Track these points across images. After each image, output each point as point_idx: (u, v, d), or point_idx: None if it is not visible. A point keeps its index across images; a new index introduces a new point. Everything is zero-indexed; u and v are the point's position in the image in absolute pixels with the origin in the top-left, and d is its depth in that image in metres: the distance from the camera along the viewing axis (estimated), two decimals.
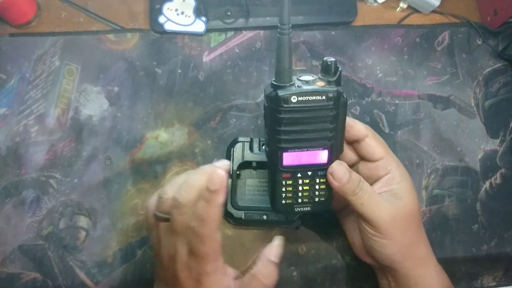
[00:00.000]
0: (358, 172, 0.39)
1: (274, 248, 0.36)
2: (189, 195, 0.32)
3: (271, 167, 0.36)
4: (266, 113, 0.34)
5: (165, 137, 0.52)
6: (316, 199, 0.37)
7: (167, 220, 0.33)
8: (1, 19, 0.56)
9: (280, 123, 0.32)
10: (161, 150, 0.51)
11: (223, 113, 0.53)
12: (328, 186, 0.37)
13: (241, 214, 0.45)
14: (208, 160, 0.51)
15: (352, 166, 0.40)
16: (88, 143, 0.51)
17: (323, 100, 0.31)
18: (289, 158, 0.34)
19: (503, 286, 0.49)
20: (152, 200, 0.36)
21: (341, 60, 0.57)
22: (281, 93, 0.31)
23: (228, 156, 0.47)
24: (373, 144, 0.38)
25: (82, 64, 0.55)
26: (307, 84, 0.32)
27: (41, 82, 0.54)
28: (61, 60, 0.55)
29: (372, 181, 0.39)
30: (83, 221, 0.48)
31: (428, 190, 0.51)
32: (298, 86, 0.31)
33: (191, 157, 0.51)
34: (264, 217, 0.45)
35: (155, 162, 0.51)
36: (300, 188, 0.36)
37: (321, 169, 0.35)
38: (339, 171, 0.35)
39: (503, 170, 0.52)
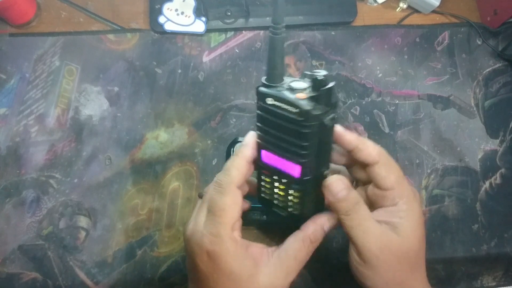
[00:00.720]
0: (366, 192, 0.35)
1: (332, 220, 0.34)
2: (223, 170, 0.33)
3: (258, 157, 0.34)
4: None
5: (165, 137, 0.52)
6: (290, 209, 0.35)
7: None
8: (1, 19, 0.56)
9: (258, 118, 0.31)
10: (161, 150, 0.51)
11: (223, 113, 0.53)
12: (301, 202, 0.34)
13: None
14: (208, 160, 0.51)
15: (364, 184, 0.37)
16: (88, 143, 0.51)
17: (296, 113, 0.29)
18: (267, 157, 0.33)
19: (503, 286, 0.49)
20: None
21: (341, 60, 0.57)
22: (262, 89, 0.30)
23: (228, 156, 0.47)
24: (383, 174, 0.33)
25: (82, 64, 0.55)
26: (291, 91, 0.29)
27: (41, 82, 0.54)
28: (61, 60, 0.55)
29: (376, 206, 0.35)
30: (83, 221, 0.48)
31: (428, 190, 0.51)
32: (279, 90, 0.29)
33: (191, 157, 0.51)
34: (264, 217, 0.45)
35: (155, 162, 0.51)
36: (276, 190, 0.35)
37: (294, 182, 0.33)
38: (336, 186, 0.32)
39: (503, 170, 0.52)
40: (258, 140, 0.32)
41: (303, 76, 0.31)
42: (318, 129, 0.30)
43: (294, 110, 0.29)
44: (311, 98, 0.29)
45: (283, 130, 0.30)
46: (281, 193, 0.35)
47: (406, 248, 0.33)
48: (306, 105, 0.28)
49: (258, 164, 0.34)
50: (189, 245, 0.33)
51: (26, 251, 0.47)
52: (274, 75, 0.30)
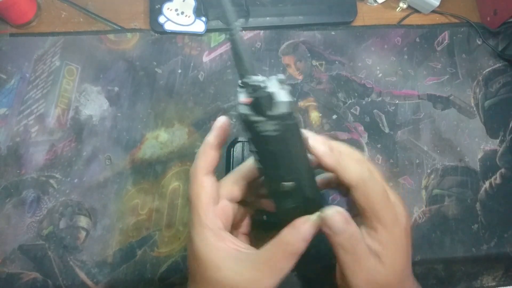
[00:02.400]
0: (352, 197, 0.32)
1: (309, 222, 0.31)
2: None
3: None
4: None
5: (165, 137, 0.52)
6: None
7: None
8: (1, 19, 0.56)
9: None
10: (161, 150, 0.51)
11: (223, 113, 0.53)
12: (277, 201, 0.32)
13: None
14: None
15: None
16: (88, 143, 0.51)
17: (245, 109, 0.27)
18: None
19: (503, 286, 0.49)
20: None
21: (341, 60, 0.57)
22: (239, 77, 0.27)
23: (228, 156, 0.47)
24: (360, 199, 0.30)
25: (82, 64, 0.55)
26: (253, 88, 0.26)
27: (41, 82, 0.54)
28: (61, 60, 0.55)
29: (359, 217, 0.32)
30: (83, 221, 0.48)
31: (428, 190, 0.51)
32: (243, 83, 0.27)
33: (191, 157, 0.51)
34: (264, 217, 0.45)
35: (155, 162, 0.51)
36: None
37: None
38: (334, 220, 0.29)
39: (503, 170, 0.52)
40: None
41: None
42: (261, 139, 0.28)
43: (244, 107, 0.27)
44: (251, 104, 0.27)
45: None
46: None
47: (390, 280, 0.30)
48: (242, 108, 0.27)
49: None
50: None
51: (26, 251, 0.47)
52: (246, 68, 0.26)
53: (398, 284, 0.31)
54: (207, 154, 0.32)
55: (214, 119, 0.53)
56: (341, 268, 0.30)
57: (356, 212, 0.31)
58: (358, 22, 0.59)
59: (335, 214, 0.29)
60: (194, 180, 0.31)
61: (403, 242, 0.31)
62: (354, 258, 0.30)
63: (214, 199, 0.32)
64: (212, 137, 0.32)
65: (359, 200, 0.30)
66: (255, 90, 0.26)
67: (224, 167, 0.50)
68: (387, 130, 0.54)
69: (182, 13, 0.57)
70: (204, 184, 0.31)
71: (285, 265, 0.30)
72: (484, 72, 0.57)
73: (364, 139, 0.53)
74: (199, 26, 0.56)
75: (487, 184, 0.52)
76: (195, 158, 0.32)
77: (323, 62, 0.57)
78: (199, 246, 0.30)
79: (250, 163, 0.33)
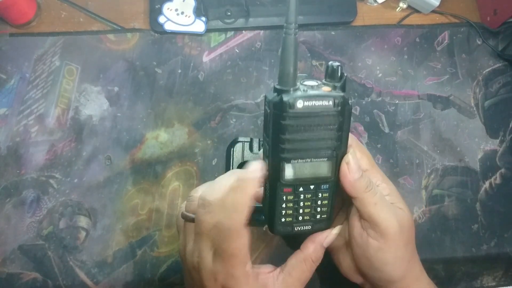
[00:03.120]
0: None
1: (332, 235, 0.35)
2: (217, 193, 0.30)
3: (271, 181, 0.32)
4: (267, 121, 0.31)
5: (165, 137, 0.52)
6: (318, 216, 0.34)
7: (193, 220, 0.32)
8: (1, 19, 0.56)
9: (284, 131, 0.29)
10: (161, 150, 0.51)
11: (223, 113, 0.53)
12: (330, 202, 0.34)
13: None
14: (208, 160, 0.51)
15: None
16: (88, 143, 0.51)
17: (330, 105, 0.29)
18: (292, 170, 0.31)
19: (503, 286, 0.49)
20: (185, 202, 0.35)
21: (341, 60, 0.57)
22: (286, 97, 0.29)
23: (228, 156, 0.47)
24: (357, 155, 0.34)
25: (82, 64, 0.55)
26: (312, 89, 0.30)
27: (41, 82, 0.54)
28: (61, 60, 0.55)
29: None
30: (83, 221, 0.48)
31: (428, 190, 0.51)
32: (303, 91, 0.29)
33: (191, 157, 0.51)
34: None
35: (155, 162, 0.51)
36: (301, 204, 0.33)
37: (324, 183, 0.33)
38: (355, 164, 0.32)
39: (503, 170, 0.52)
40: (283, 155, 0.30)
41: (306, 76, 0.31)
42: (347, 115, 0.31)
43: (328, 103, 0.29)
44: (334, 88, 0.30)
45: (318, 128, 0.30)
46: (308, 203, 0.33)
47: (409, 220, 0.35)
48: (338, 95, 0.29)
49: (275, 191, 0.32)
50: (197, 276, 0.32)
51: (26, 251, 0.47)
52: (289, 79, 0.29)
53: (413, 223, 0.35)
54: (248, 206, 0.30)
55: (214, 119, 0.53)
56: (372, 216, 0.32)
57: None
58: (358, 22, 0.59)
59: (354, 158, 0.32)
60: (237, 233, 0.30)
61: (397, 190, 0.36)
62: (379, 199, 0.33)
63: (250, 249, 0.32)
64: (253, 189, 0.30)
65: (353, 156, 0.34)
66: (338, 72, 0.31)
67: (224, 167, 0.50)
68: (387, 130, 0.54)
69: (182, 13, 0.57)
70: (247, 238, 0.30)
71: (311, 275, 0.34)
72: (484, 72, 0.57)
73: (364, 139, 0.53)
74: (199, 26, 0.56)
75: (487, 184, 0.52)
76: (233, 206, 0.30)
77: (323, 62, 0.57)
78: None
79: (258, 181, 0.31)
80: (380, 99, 0.55)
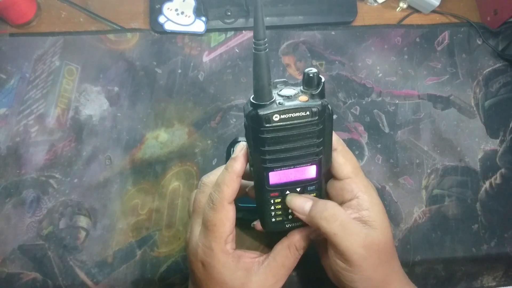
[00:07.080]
0: (327, 190, 0.36)
1: None
2: (212, 176, 0.34)
3: (257, 186, 0.34)
4: (248, 133, 0.32)
5: (165, 137, 0.52)
6: None
7: None
8: (1, 19, 0.56)
9: (264, 143, 0.30)
10: (161, 150, 0.51)
11: (223, 113, 0.53)
12: (320, 198, 0.34)
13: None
14: (208, 160, 0.51)
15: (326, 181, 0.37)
16: (88, 143, 0.51)
17: (307, 116, 0.29)
18: (276, 177, 0.32)
19: (503, 286, 0.49)
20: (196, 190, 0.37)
21: (341, 60, 0.57)
22: (261, 112, 0.29)
23: (228, 156, 0.47)
24: (340, 161, 0.34)
25: (82, 64, 0.55)
26: (288, 99, 0.29)
27: (41, 82, 0.54)
28: (61, 60, 0.55)
29: (338, 202, 0.35)
30: (83, 221, 0.48)
31: (428, 190, 0.51)
32: (279, 103, 0.29)
33: (191, 157, 0.51)
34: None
35: (155, 162, 0.51)
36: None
37: (310, 184, 0.33)
38: (297, 201, 0.33)
39: (503, 170, 0.52)
40: (265, 165, 0.31)
41: (283, 84, 0.31)
42: (327, 121, 0.31)
43: (304, 114, 0.29)
44: (312, 96, 0.30)
45: (297, 138, 0.30)
46: None
47: (383, 241, 0.33)
48: (315, 105, 0.29)
49: (262, 195, 0.34)
50: (187, 252, 0.35)
51: (26, 251, 0.47)
52: (264, 93, 0.29)
53: (389, 245, 0.34)
54: (234, 183, 0.32)
55: (214, 119, 0.53)
56: (336, 245, 0.32)
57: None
58: (358, 22, 0.59)
59: (294, 197, 0.33)
60: (220, 208, 0.32)
61: (381, 203, 0.34)
62: (343, 227, 0.32)
63: (234, 225, 0.33)
64: (239, 166, 0.32)
65: (338, 162, 0.34)
66: (316, 80, 0.30)
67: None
68: (387, 130, 0.54)
69: (182, 13, 0.57)
70: (230, 213, 0.33)
71: (295, 262, 0.35)
72: (484, 72, 0.57)
73: (364, 139, 0.53)
74: (199, 26, 0.56)
75: (487, 184, 0.52)
76: (219, 184, 0.32)
77: (323, 62, 0.57)
78: (222, 272, 0.32)
79: (241, 159, 0.33)
80: (380, 99, 0.55)
